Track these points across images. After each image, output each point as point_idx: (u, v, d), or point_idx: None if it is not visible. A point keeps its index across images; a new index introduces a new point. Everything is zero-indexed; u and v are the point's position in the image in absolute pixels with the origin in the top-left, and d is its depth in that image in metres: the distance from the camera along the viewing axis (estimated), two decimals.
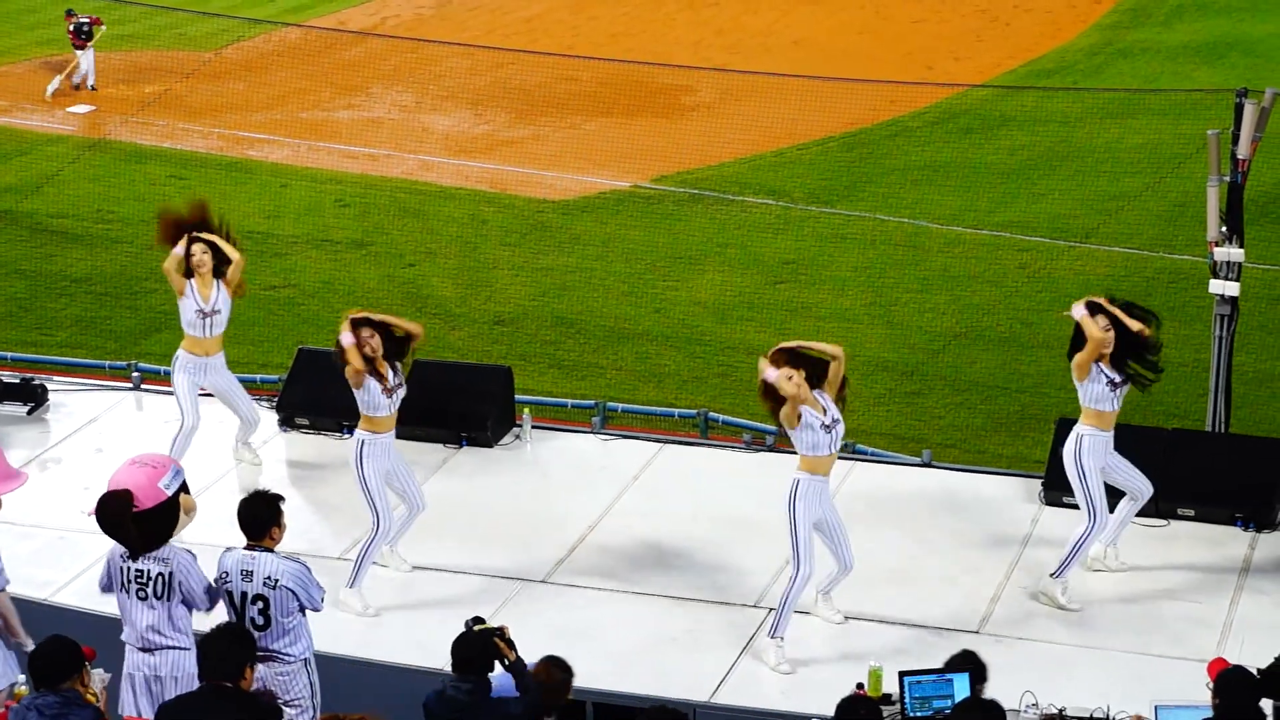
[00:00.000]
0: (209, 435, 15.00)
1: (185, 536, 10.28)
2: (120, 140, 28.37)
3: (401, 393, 12.64)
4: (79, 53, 30.62)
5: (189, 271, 13.93)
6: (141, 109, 30.16)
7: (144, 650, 9.87)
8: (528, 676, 9.75)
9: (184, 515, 9.80)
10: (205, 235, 14.02)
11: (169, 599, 9.76)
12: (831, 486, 11.98)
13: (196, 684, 9.71)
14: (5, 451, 10.71)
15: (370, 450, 12.59)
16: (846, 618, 12.45)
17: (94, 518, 9.69)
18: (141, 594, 9.78)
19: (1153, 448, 14.08)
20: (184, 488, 9.78)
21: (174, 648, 9.85)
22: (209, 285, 13.99)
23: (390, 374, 12.57)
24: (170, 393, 15.03)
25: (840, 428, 11.85)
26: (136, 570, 9.74)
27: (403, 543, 13.27)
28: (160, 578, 9.72)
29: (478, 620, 9.84)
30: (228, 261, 14.02)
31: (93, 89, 30.55)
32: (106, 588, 10.00)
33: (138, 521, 9.58)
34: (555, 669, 9.97)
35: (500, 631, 9.77)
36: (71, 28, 30.61)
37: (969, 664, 10.04)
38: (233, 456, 14.82)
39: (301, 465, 14.83)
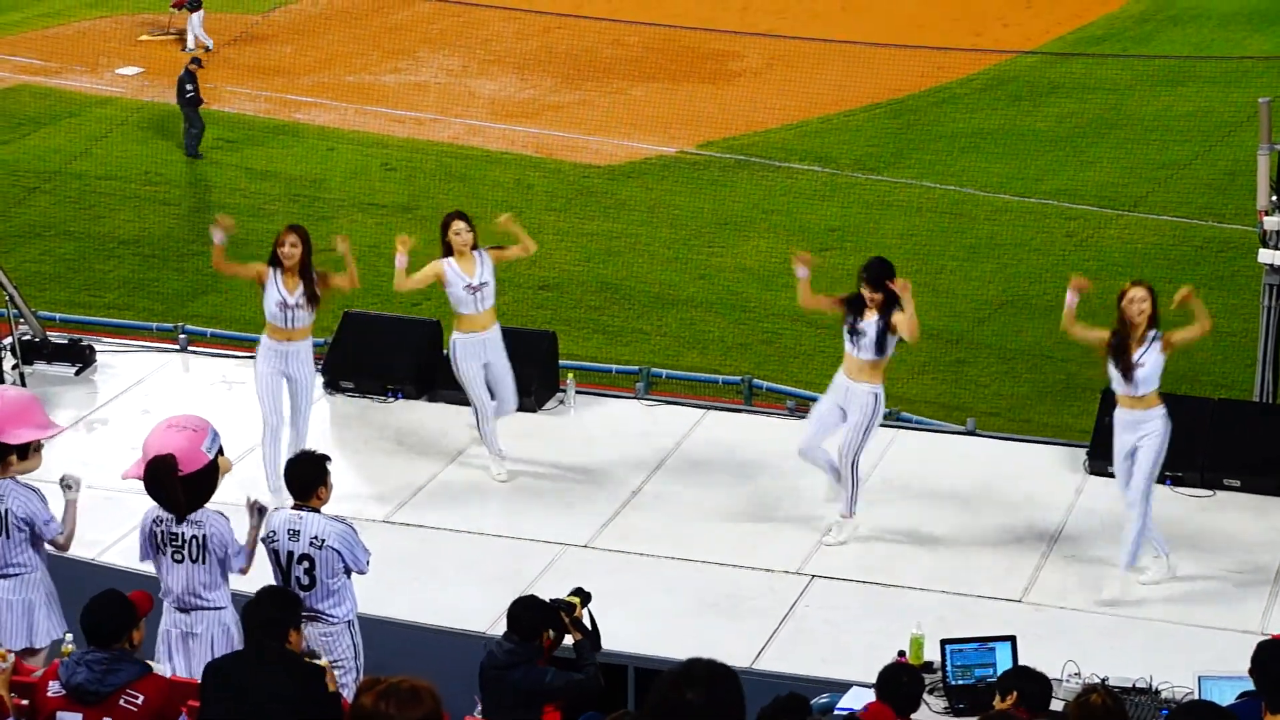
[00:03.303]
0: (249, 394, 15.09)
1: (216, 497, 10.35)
2: (168, 103, 28.43)
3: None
4: (191, 15, 30.21)
5: (276, 261, 13.26)
6: None
7: (181, 610, 9.98)
8: (586, 656, 9.80)
9: (220, 476, 9.93)
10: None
11: (205, 561, 9.85)
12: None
13: (230, 638, 9.86)
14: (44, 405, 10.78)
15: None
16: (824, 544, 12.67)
17: (132, 480, 9.77)
18: (178, 557, 9.87)
19: (1199, 418, 14.02)
20: (220, 450, 9.91)
21: (210, 607, 9.94)
22: (294, 277, 13.30)
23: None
24: (215, 354, 15.11)
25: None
26: (172, 534, 9.85)
27: (437, 508, 13.35)
28: (195, 540, 9.82)
29: (578, 592, 10.10)
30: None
31: (189, 51, 30.16)
32: (145, 556, 10.10)
33: (183, 485, 9.70)
34: None
35: (571, 607, 9.86)
36: None
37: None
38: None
39: (346, 428, 14.89)
